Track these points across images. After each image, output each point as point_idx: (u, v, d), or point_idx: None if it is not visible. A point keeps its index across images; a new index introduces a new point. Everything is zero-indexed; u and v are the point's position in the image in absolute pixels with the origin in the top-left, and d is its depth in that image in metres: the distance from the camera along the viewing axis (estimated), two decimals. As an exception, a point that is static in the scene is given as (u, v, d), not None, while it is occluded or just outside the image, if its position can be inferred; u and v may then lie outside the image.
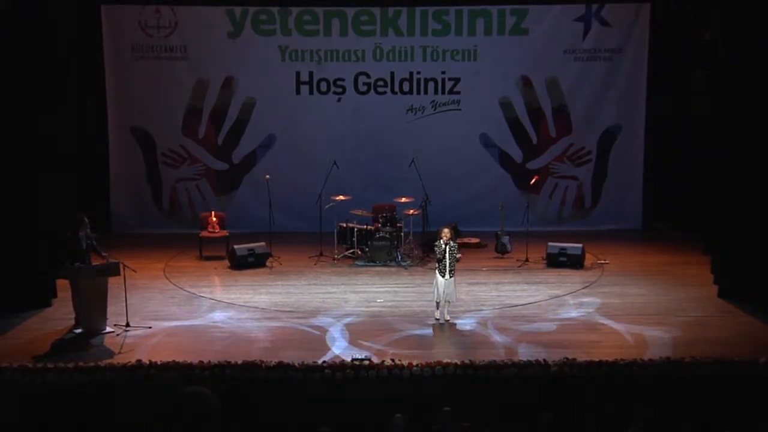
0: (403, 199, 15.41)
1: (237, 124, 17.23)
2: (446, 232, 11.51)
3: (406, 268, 14.62)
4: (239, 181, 17.43)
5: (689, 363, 9.80)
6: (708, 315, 11.94)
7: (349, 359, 9.83)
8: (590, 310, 12.19)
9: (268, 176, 15.15)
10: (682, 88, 16.81)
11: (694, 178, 16.15)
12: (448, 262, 11.47)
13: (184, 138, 17.19)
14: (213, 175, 17.41)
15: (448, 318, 11.69)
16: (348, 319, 11.81)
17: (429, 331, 11.43)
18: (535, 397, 9.54)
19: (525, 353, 10.36)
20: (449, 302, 11.68)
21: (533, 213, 16.54)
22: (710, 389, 9.59)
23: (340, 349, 10.58)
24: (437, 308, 11.75)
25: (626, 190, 17.56)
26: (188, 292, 13.19)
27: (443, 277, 11.53)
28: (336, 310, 12.27)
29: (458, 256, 11.62)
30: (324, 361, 9.84)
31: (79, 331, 11.21)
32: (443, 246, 11.46)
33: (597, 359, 9.85)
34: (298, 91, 17.14)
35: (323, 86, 17.16)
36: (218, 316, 11.99)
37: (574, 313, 12.08)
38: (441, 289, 11.55)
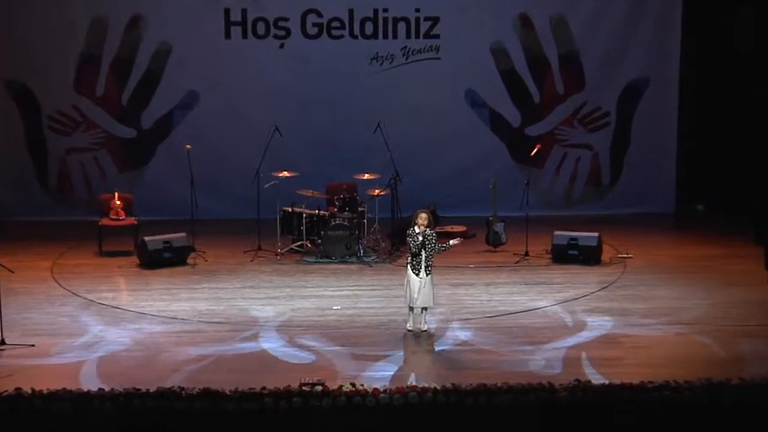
0: (366, 176, 15.39)
1: (147, 77, 17.10)
2: (423, 218, 11.50)
3: (371, 266, 14.60)
4: (151, 152, 17.34)
5: (738, 386, 9.86)
6: (761, 324, 12.03)
7: (296, 384, 9.79)
8: (609, 319, 12.25)
9: (189, 146, 15.03)
10: (727, 31, 16.95)
11: (742, 148, 16.33)
12: (424, 256, 11.47)
13: (76, 96, 17.06)
14: (116, 145, 17.29)
15: (426, 328, 11.71)
16: (295, 332, 11.76)
17: (400, 346, 11.41)
18: (538, 430, 9.54)
19: (524, 373, 10.35)
20: (426, 308, 11.69)
21: (535, 193, 16.61)
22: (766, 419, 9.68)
23: (285, 370, 10.52)
24: (410, 315, 11.75)
25: (655, 163, 17.69)
26: (84, 298, 13.07)
27: (417, 275, 11.53)
28: (279, 320, 12.22)
29: (444, 246, 11.60)
30: (263, 387, 9.80)
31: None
32: (419, 236, 11.45)
33: (618, 381, 9.89)
34: (227, 35, 17.05)
35: (260, 28, 17.07)
36: (124, 330, 11.89)
37: (587, 322, 12.11)
38: (415, 291, 11.54)
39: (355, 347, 11.26)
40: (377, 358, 10.96)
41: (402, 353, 11.24)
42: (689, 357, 10.97)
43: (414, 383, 9.87)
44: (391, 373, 10.50)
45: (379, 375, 10.37)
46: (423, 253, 11.46)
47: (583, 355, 11.00)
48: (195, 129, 16.99)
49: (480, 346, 11.33)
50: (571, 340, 11.51)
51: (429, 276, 11.56)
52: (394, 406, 9.59)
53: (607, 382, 9.93)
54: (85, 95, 17.08)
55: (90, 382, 9.98)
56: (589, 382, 9.91)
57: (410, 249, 11.61)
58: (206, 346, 11.34)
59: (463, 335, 11.70)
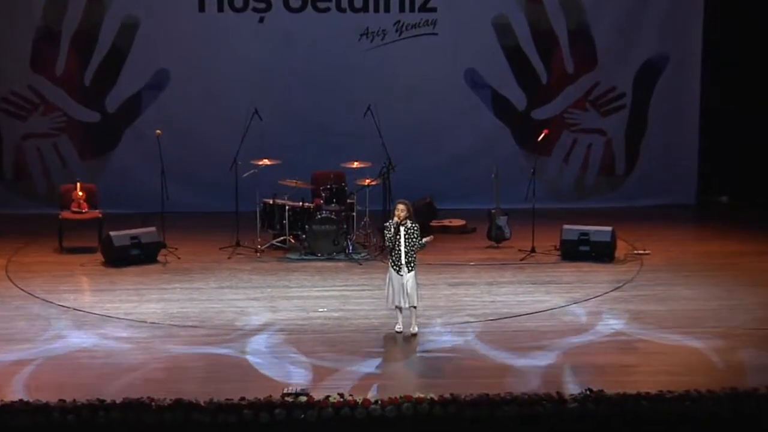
0: (356, 164, 15.40)
1: (112, 55, 17.09)
2: (400, 209, 11.57)
3: (360, 263, 14.62)
4: (117, 138, 17.33)
5: (765, 396, 9.86)
6: (790, 327, 12.12)
7: (278, 394, 9.77)
8: (623, 321, 12.27)
9: (159, 131, 15.02)
10: (754, 3, 16.95)
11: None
12: (403, 251, 11.50)
13: (33, 75, 17.04)
14: (78, 130, 17.28)
15: (415, 331, 11.73)
16: (277, 337, 11.77)
17: (393, 352, 11.42)
18: (546, 445, 9.61)
19: (531, 383, 10.37)
20: (415, 308, 11.71)
21: (542, 183, 16.62)
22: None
23: (266, 379, 10.51)
24: (399, 315, 11.77)
25: (675, 150, 17.72)
26: (43, 300, 13.06)
27: (398, 272, 11.57)
28: (260, 324, 12.22)
29: (424, 241, 11.62)
30: (242, 398, 9.80)
31: None
32: (393, 228, 11.50)
33: (633, 390, 9.90)
34: (201, 7, 17.05)
35: (238, 0, 17.05)
36: (87, 335, 11.87)
37: (600, 326, 12.14)
38: (395, 290, 11.57)
39: (343, 353, 11.25)
40: (367, 365, 10.96)
41: (395, 360, 11.26)
42: (712, 364, 10.99)
43: (408, 393, 9.84)
44: (383, 382, 10.48)
45: (370, 384, 10.36)
46: (402, 248, 11.49)
47: (595, 361, 11.02)
48: (166, 112, 16.99)
49: (481, 352, 11.34)
50: (582, 346, 11.53)
51: (412, 273, 11.58)
52: (386, 418, 9.59)
53: (621, 391, 9.91)
54: (44, 74, 17.06)
55: (49, 393, 9.91)
56: (602, 391, 9.90)
57: (385, 241, 11.68)
58: (178, 352, 11.32)
59: (463, 340, 11.70)
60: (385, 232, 11.65)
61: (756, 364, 10.94)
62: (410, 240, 11.53)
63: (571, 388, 10.07)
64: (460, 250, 15.13)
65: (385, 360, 11.18)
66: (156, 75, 17.18)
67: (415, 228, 11.62)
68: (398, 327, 11.80)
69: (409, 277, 11.58)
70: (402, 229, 11.52)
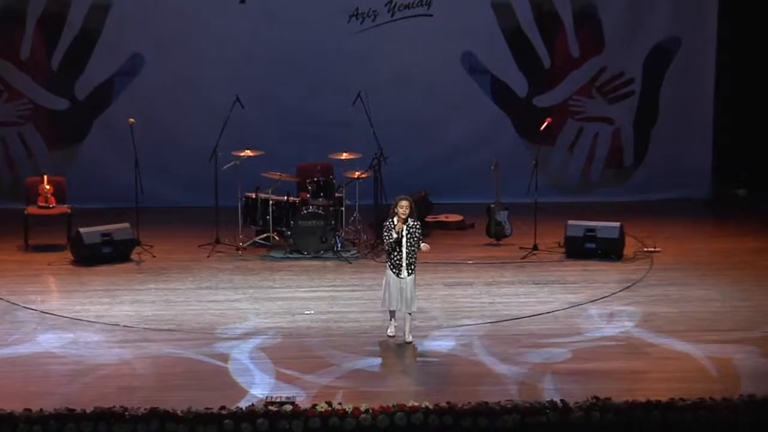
0: (345, 156, 15.38)
1: (82, 38, 17.05)
2: (403, 206, 11.43)
3: (350, 262, 14.62)
4: (87, 127, 17.30)
5: (784, 403, 9.93)
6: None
7: (261, 403, 9.77)
8: (632, 324, 12.28)
9: (132, 120, 15.01)
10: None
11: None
12: (405, 253, 11.46)
13: (-4, 59, 17.00)
14: (45, 119, 17.25)
15: (410, 339, 11.69)
16: (261, 341, 11.77)
17: (385, 357, 11.41)
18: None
19: (533, 389, 10.38)
20: (410, 313, 11.67)
21: (545, 175, 16.63)
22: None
23: (249, 386, 10.53)
24: (392, 320, 11.73)
25: (688, 140, 17.73)
26: (6, 301, 13.05)
27: (398, 275, 11.51)
28: (242, 327, 12.22)
29: (422, 246, 11.55)
30: (222, 407, 9.80)
31: None
32: (397, 228, 11.42)
33: (643, 398, 9.91)
34: (178, -13, 17.05)
35: (218, -22, 17.08)
36: (55, 338, 11.86)
37: (607, 329, 12.16)
38: (394, 294, 11.51)
39: (331, 358, 11.26)
40: (357, 372, 10.97)
41: (386, 366, 11.25)
42: (728, 370, 10.99)
43: (401, 401, 9.83)
44: (374, 389, 10.48)
45: (360, 391, 10.35)
46: (403, 248, 11.42)
47: (602, 367, 11.03)
48: (139, 99, 16.96)
49: (480, 357, 11.35)
50: (588, 350, 11.54)
51: (411, 276, 11.53)
52: (377, 428, 9.59)
53: (630, 399, 9.92)
54: (7, 59, 17.02)
55: (14, 402, 9.89)
56: (609, 399, 9.91)
57: (385, 244, 11.58)
58: (154, 358, 11.31)
59: (460, 344, 11.70)
60: (385, 232, 11.49)
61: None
62: (411, 240, 11.46)
63: (576, 395, 10.05)
64: (458, 248, 15.13)
65: (377, 365, 11.18)
66: (129, 60, 17.15)
67: (417, 227, 11.52)
68: (390, 331, 11.78)
69: (409, 281, 11.52)
70: (404, 228, 11.46)
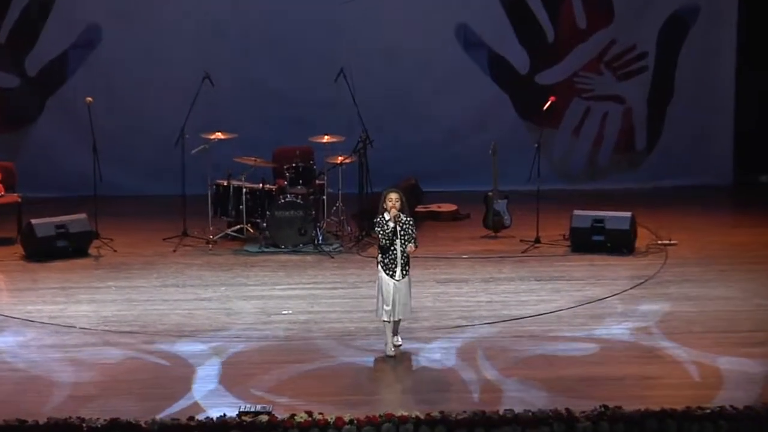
0: (326, 139, 15.41)
1: (33, 7, 17.10)
2: (393, 199, 11.34)
3: (332, 256, 14.65)
4: (39, 107, 17.35)
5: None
6: None
7: (234, 413, 9.77)
8: (645, 325, 12.30)
9: (90, 99, 15.01)
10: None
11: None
12: (399, 251, 11.43)
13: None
14: (-8, 98, 17.24)
15: (399, 342, 11.68)
16: (233, 345, 11.77)
17: (371, 362, 11.42)
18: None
19: (535, 398, 10.38)
20: (401, 319, 11.59)
21: (549, 160, 16.68)
22: None
23: (220, 395, 10.53)
24: (389, 333, 11.49)
25: (706, 121, 17.78)
26: (-49, 301, 13.07)
27: (393, 277, 11.48)
28: (212, 329, 12.22)
29: (409, 246, 11.41)
30: (191, 418, 9.79)
31: None
32: (390, 224, 11.38)
33: (656, 407, 9.92)
34: (140, -47, 17.05)
35: (185, -57, 17.10)
36: (5, 342, 11.85)
37: (617, 330, 12.18)
38: (390, 299, 11.40)
39: (311, 363, 11.28)
40: (340, 378, 10.98)
41: (373, 371, 11.27)
42: (750, 376, 11.01)
43: (389, 411, 9.82)
44: (359, 397, 10.49)
45: (343, 400, 10.35)
46: (398, 246, 11.37)
47: (611, 372, 11.05)
48: (97, 76, 17.01)
49: (476, 362, 11.35)
50: (596, 354, 11.57)
51: (406, 277, 11.46)
52: (363, 441, 9.62)
53: (642, 408, 9.93)
54: (-50, 33, 17.06)
55: (-41, 413, 9.94)
56: (619, 407, 9.93)
57: (379, 243, 11.51)
58: (114, 363, 11.31)
59: (454, 348, 11.72)
60: (378, 229, 11.38)
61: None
62: (405, 237, 11.38)
63: (583, 403, 10.07)
64: (451, 241, 15.18)
65: (362, 371, 11.20)
66: (85, 32, 17.20)
67: (410, 222, 11.43)
68: (389, 350, 11.48)
69: (404, 285, 11.44)
70: (398, 225, 11.35)
